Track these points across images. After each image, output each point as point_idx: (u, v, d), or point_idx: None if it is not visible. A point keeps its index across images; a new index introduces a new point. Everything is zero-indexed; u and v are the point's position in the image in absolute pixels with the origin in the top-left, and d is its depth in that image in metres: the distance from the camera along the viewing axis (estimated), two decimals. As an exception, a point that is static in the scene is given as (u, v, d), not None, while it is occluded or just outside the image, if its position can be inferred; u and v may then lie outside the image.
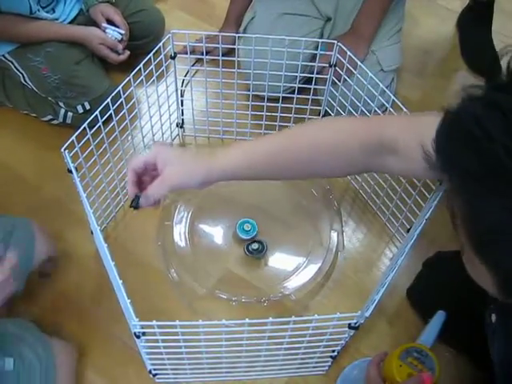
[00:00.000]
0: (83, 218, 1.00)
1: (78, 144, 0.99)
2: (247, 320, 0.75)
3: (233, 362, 0.95)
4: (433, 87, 1.53)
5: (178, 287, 1.14)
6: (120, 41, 1.33)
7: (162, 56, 1.13)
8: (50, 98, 1.30)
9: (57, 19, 1.32)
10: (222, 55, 1.16)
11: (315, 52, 1.17)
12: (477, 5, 1.55)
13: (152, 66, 1.11)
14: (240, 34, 1.34)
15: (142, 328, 0.76)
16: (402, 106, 1.05)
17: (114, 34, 1.32)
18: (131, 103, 1.11)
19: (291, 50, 1.15)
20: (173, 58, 1.17)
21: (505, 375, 0.72)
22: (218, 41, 1.13)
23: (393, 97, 1.09)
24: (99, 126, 1.04)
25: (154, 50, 1.11)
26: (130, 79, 1.06)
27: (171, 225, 1.21)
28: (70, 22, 1.35)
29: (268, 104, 1.26)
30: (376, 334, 1.10)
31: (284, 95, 1.30)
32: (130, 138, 1.16)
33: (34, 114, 1.37)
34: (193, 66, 1.41)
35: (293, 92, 1.25)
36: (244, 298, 1.12)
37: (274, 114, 1.28)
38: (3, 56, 1.30)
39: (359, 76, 1.13)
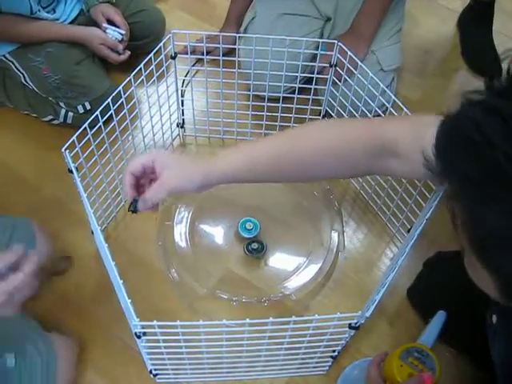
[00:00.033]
0: (84, 218, 1.00)
1: (79, 144, 0.99)
2: (248, 320, 0.75)
3: (233, 362, 0.95)
4: (433, 87, 1.53)
5: (178, 287, 1.14)
6: (120, 41, 1.33)
7: (162, 56, 1.13)
8: (50, 98, 1.30)
9: (57, 19, 1.32)
10: (223, 55, 1.16)
11: (316, 52, 1.17)
12: (477, 5, 1.55)
13: (152, 66, 1.11)
14: (240, 34, 1.34)
15: (143, 328, 0.76)
16: (402, 105, 1.05)
17: (114, 34, 1.32)
18: (132, 103, 1.11)
19: (292, 50, 1.15)
20: (173, 58, 1.17)
21: (505, 376, 0.72)
22: (218, 41, 1.13)
23: (393, 97, 1.09)
24: (100, 126, 1.04)
25: (154, 50, 1.11)
26: (130, 79, 1.07)
27: (172, 225, 1.21)
28: (71, 23, 1.35)
29: (268, 104, 1.26)
30: (376, 334, 1.10)
31: (284, 95, 1.30)
32: (130, 138, 1.16)
33: (35, 114, 1.37)
34: (193, 66, 1.41)
35: (293, 92, 1.25)
36: (244, 298, 1.12)
37: (274, 114, 1.28)
38: (4, 56, 1.30)
39: (359, 76, 1.13)
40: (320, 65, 1.19)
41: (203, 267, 1.16)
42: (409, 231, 1.15)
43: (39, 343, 0.94)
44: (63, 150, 0.96)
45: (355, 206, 1.29)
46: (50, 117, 1.34)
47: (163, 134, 1.29)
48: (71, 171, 0.96)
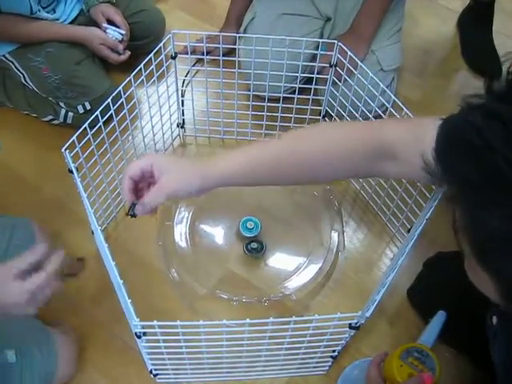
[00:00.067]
0: (84, 218, 1.00)
1: (79, 144, 0.99)
2: (248, 320, 0.75)
3: (233, 362, 0.95)
4: (433, 87, 1.53)
5: (178, 287, 1.14)
6: (120, 41, 1.33)
7: (162, 56, 1.13)
8: (50, 98, 1.30)
9: (57, 19, 1.32)
10: (223, 55, 1.16)
11: (315, 52, 1.17)
12: (477, 5, 1.55)
13: (153, 67, 1.11)
14: (240, 34, 1.34)
15: (143, 328, 0.76)
16: (402, 105, 1.05)
17: (114, 34, 1.32)
18: (132, 103, 1.11)
19: (292, 50, 1.15)
20: (173, 58, 1.17)
21: (506, 378, 0.72)
22: (218, 41, 1.13)
23: (393, 97, 1.09)
24: (100, 126, 1.04)
25: (154, 51, 1.11)
26: (130, 79, 1.07)
27: (172, 225, 1.21)
28: (71, 23, 1.35)
29: (269, 104, 1.26)
30: (376, 334, 1.10)
31: (284, 95, 1.30)
32: (130, 138, 1.16)
33: (35, 115, 1.37)
34: (193, 66, 1.41)
35: (293, 92, 1.26)
36: (245, 297, 1.12)
37: (274, 114, 1.28)
38: (4, 56, 1.30)
39: (359, 76, 1.13)
40: (320, 65, 1.19)
41: (203, 267, 1.16)
42: (409, 231, 1.15)
43: (39, 338, 0.95)
44: (63, 150, 0.96)
45: (355, 205, 1.29)
46: (50, 117, 1.34)
47: (163, 134, 1.29)
48: (71, 171, 0.96)
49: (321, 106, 1.31)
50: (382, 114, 1.13)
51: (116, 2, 1.37)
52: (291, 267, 1.17)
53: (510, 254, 0.45)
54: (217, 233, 1.22)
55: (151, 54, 1.09)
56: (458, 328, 0.93)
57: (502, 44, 1.54)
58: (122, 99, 1.08)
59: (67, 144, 0.97)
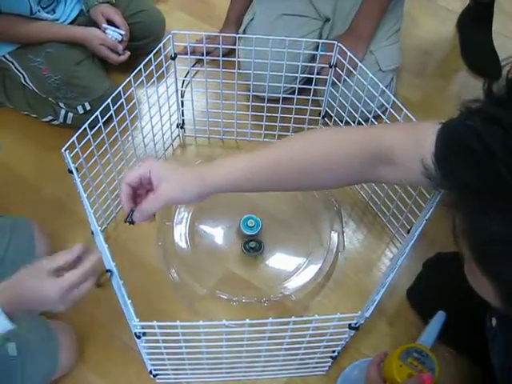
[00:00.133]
0: (84, 218, 1.00)
1: (79, 144, 0.99)
2: (247, 320, 0.75)
3: (233, 362, 0.95)
4: (433, 88, 1.53)
5: (178, 287, 1.14)
6: (120, 41, 1.33)
7: (162, 57, 1.13)
8: (50, 99, 1.30)
9: (57, 20, 1.32)
10: (223, 56, 1.16)
11: (315, 53, 1.18)
12: (477, 5, 1.55)
13: (152, 67, 1.11)
14: (240, 35, 1.34)
15: (143, 328, 0.76)
16: (401, 106, 1.05)
17: (114, 34, 1.32)
18: (132, 104, 1.11)
19: (291, 50, 1.15)
20: (173, 58, 1.17)
21: (505, 380, 0.72)
22: (218, 41, 1.13)
23: (392, 97, 1.10)
24: (100, 127, 1.05)
25: (154, 51, 1.11)
26: (130, 80, 1.07)
27: (172, 225, 1.21)
28: (71, 23, 1.35)
29: (268, 105, 1.26)
30: (376, 335, 1.10)
31: (284, 96, 1.30)
32: (130, 138, 1.16)
33: (35, 115, 1.37)
34: (193, 66, 1.41)
35: (293, 93, 1.26)
36: (244, 298, 1.12)
37: (274, 114, 1.28)
38: (4, 56, 1.30)
39: (359, 76, 1.13)
40: (320, 65, 1.19)
41: (203, 267, 1.16)
42: (408, 232, 1.15)
43: (40, 331, 0.95)
44: (63, 150, 0.96)
45: (355, 206, 1.29)
46: (50, 117, 1.34)
47: (163, 135, 1.29)
48: (71, 171, 0.96)
49: (320, 106, 1.31)
50: (382, 115, 1.13)
51: (116, 2, 1.37)
52: (291, 267, 1.17)
53: (509, 258, 0.45)
54: (216, 233, 1.22)
55: (151, 55, 1.10)
56: (458, 328, 0.93)
57: (502, 45, 1.54)
58: (122, 100, 1.08)
59: (67, 144, 0.97)
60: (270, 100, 1.27)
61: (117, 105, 1.07)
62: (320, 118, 1.33)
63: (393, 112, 1.09)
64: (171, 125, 1.32)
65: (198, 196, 0.78)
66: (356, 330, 0.81)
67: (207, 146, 1.38)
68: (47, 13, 1.30)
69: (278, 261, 1.19)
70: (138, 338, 0.77)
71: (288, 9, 1.35)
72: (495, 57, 1.51)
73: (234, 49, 1.21)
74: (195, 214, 1.23)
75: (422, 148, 0.63)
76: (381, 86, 1.10)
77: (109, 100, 1.05)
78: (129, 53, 1.36)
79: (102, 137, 1.06)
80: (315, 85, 1.23)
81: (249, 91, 1.27)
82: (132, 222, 0.79)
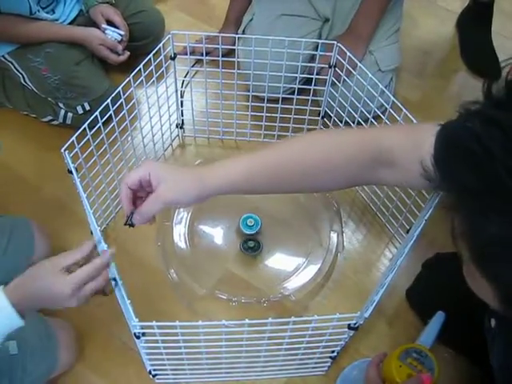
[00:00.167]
0: (83, 218, 1.00)
1: (78, 144, 0.99)
2: (247, 320, 0.75)
3: (232, 362, 0.95)
4: (432, 88, 1.53)
5: (177, 288, 1.14)
6: (120, 41, 1.33)
7: (161, 57, 1.13)
8: (49, 99, 1.30)
9: (57, 20, 1.32)
10: (222, 56, 1.16)
11: (314, 53, 1.18)
12: (477, 5, 1.55)
13: (152, 67, 1.11)
14: (240, 35, 1.34)
15: (142, 328, 0.76)
16: (401, 106, 1.05)
17: (113, 34, 1.32)
18: (131, 104, 1.11)
19: (291, 50, 1.15)
20: (173, 58, 1.17)
21: (504, 380, 0.72)
22: (217, 42, 1.13)
23: (392, 97, 1.10)
24: (99, 127, 1.05)
25: (153, 51, 1.11)
26: (129, 80, 1.07)
27: (171, 225, 1.21)
28: (70, 23, 1.35)
29: (268, 105, 1.26)
30: (375, 335, 1.10)
31: (284, 96, 1.30)
32: (129, 138, 1.16)
33: (34, 115, 1.37)
34: (193, 66, 1.41)
35: (292, 93, 1.26)
36: (244, 298, 1.12)
37: (273, 114, 1.28)
38: (3, 57, 1.30)
39: (358, 76, 1.13)
40: (319, 65, 1.19)
41: (202, 268, 1.16)
42: (408, 232, 1.15)
43: (39, 329, 0.95)
44: (63, 150, 0.96)
45: (354, 206, 1.29)
46: (50, 117, 1.34)
47: (162, 135, 1.29)
48: (71, 172, 0.96)
49: (320, 106, 1.31)
50: (381, 115, 1.13)
51: (115, 2, 1.37)
52: (290, 268, 1.17)
53: (508, 260, 0.45)
54: (216, 233, 1.22)
55: (150, 55, 1.10)
56: (457, 329, 0.93)
57: (501, 45, 1.54)
58: (122, 100, 1.08)
59: (67, 144, 0.97)
60: (270, 100, 1.27)
61: (116, 105, 1.07)
62: (319, 118, 1.33)
63: (392, 112, 1.09)
64: (171, 125, 1.32)
65: (197, 198, 0.77)
66: (355, 330, 0.81)
67: (207, 146, 1.38)
68: (47, 13, 1.30)
69: (278, 261, 1.19)
70: (138, 338, 0.77)
71: (287, 9, 1.35)
72: (495, 57, 1.51)
73: (234, 49, 1.21)
74: (194, 214, 1.23)
75: (422, 150, 0.63)
76: (380, 86, 1.10)
77: (108, 100, 1.05)
78: (128, 53, 1.36)
79: (101, 137, 1.06)
80: (315, 85, 1.24)
81: (248, 91, 1.27)
82: (132, 225, 0.79)
